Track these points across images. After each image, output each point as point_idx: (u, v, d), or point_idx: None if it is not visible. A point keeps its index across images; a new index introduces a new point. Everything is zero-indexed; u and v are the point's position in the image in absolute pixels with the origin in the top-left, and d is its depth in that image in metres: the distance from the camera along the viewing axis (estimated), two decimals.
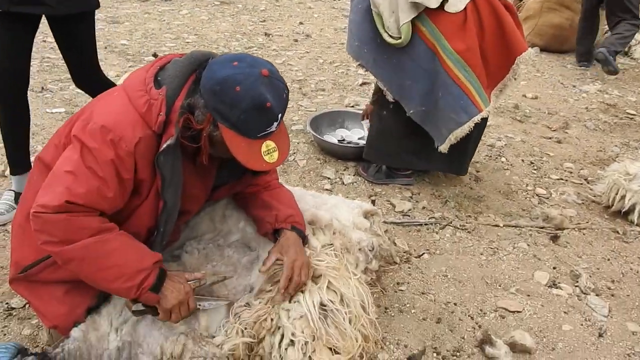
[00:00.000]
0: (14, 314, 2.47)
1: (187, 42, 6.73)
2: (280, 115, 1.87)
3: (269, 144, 1.87)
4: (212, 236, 2.35)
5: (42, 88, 5.18)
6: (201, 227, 2.38)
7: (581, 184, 4.03)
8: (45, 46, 6.05)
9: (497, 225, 3.43)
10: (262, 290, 2.13)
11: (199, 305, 2.03)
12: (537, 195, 3.85)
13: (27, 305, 2.47)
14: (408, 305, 2.68)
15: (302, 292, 2.13)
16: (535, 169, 4.22)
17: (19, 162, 3.16)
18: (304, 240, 2.28)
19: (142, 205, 1.98)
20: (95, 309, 2.09)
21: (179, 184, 1.97)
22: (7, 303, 2.52)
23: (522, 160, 4.34)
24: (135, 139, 1.82)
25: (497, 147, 4.54)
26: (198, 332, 2.02)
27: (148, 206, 1.98)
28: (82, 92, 4.92)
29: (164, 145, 1.86)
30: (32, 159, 3.23)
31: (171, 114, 1.86)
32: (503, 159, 4.31)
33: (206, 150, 1.93)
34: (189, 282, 2.00)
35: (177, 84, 1.90)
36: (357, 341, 2.16)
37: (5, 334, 2.36)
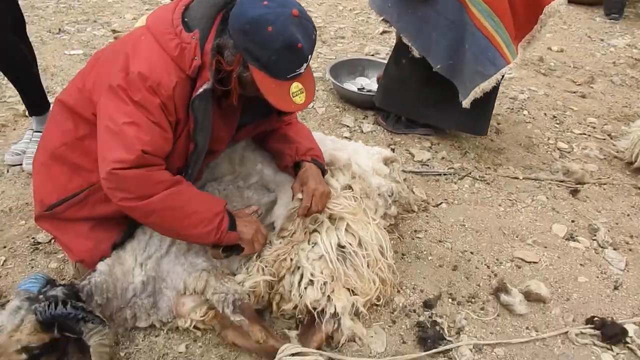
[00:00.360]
0: (40, 248, 2.54)
1: None
2: (309, 57, 1.86)
3: (297, 85, 1.88)
4: (232, 178, 2.38)
5: (59, 30, 5.16)
6: (221, 168, 2.41)
7: (604, 139, 3.97)
8: None
9: (516, 178, 3.41)
10: (283, 229, 2.16)
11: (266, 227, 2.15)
12: (558, 149, 3.81)
13: (52, 241, 2.54)
14: (425, 252, 2.71)
15: (319, 232, 2.16)
16: (557, 123, 4.15)
17: (37, 103, 3.17)
18: (324, 173, 2.32)
19: (176, 145, 2.00)
20: (120, 245, 2.14)
21: (209, 126, 1.99)
22: (33, 238, 2.59)
23: (545, 114, 4.27)
24: (172, 83, 1.83)
25: (519, 100, 4.46)
26: (220, 269, 2.07)
27: (179, 148, 2.01)
28: (100, 34, 4.90)
29: (200, 90, 1.86)
30: (51, 100, 3.25)
31: (203, 56, 1.85)
32: (525, 112, 4.25)
33: (236, 92, 1.93)
34: (250, 215, 2.11)
35: (206, 25, 1.87)
36: (374, 284, 2.21)
37: (32, 267, 2.44)
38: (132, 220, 2.05)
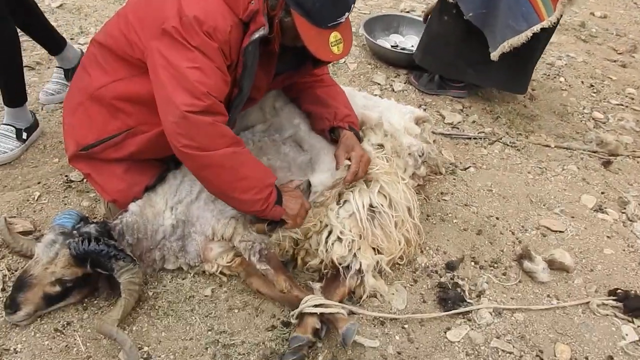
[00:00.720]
0: (73, 186, 2.60)
1: None
2: (352, 6, 1.84)
3: (336, 35, 1.87)
4: (265, 128, 2.38)
5: None
6: (251, 116, 2.41)
7: None
8: None
9: (547, 146, 3.36)
10: (320, 195, 2.18)
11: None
12: (593, 119, 3.72)
13: (85, 180, 2.59)
14: (450, 215, 2.71)
15: (352, 192, 2.17)
16: (594, 92, 4.04)
17: (54, 43, 3.15)
18: (360, 140, 2.32)
19: None
20: (151, 188, 2.18)
21: (254, 73, 1.99)
22: (66, 176, 2.65)
23: (582, 82, 4.15)
24: (227, 27, 1.82)
25: (556, 66, 4.34)
26: (248, 217, 2.10)
27: (228, 92, 2.01)
28: None
29: (256, 35, 1.84)
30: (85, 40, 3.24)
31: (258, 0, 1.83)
32: (562, 79, 4.13)
33: (279, 37, 1.91)
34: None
35: None
36: (399, 244, 2.23)
37: (65, 204, 2.50)
38: (166, 164, 2.09)
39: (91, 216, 2.41)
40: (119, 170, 2.16)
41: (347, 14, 1.85)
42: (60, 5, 4.40)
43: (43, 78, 3.44)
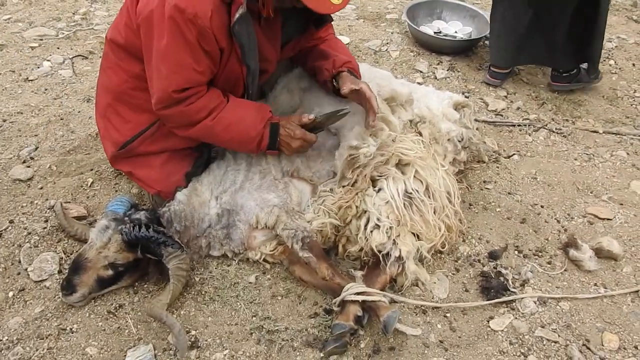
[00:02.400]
0: (123, 174, 2.69)
1: None
2: None
3: None
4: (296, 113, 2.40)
5: None
6: (280, 99, 2.45)
7: None
8: None
9: (595, 132, 3.26)
10: (344, 178, 2.20)
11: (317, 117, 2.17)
12: None
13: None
14: (493, 203, 2.68)
15: (386, 179, 2.17)
16: None
17: None
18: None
19: (224, 72, 2.06)
20: (197, 177, 2.25)
21: (255, 47, 2.02)
22: None
23: (633, 65, 4.00)
24: (208, 12, 1.85)
25: (606, 48, 4.18)
26: (290, 205, 2.14)
27: (234, 74, 2.07)
28: None
29: (237, 16, 1.88)
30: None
31: None
32: (612, 62, 3.99)
33: (270, 2, 1.90)
34: (303, 120, 2.15)
35: None
36: (439, 230, 2.22)
37: (116, 191, 2.62)
38: (201, 151, 2.24)
39: (141, 203, 2.51)
40: (157, 162, 2.27)
41: None
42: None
43: (95, 66, 3.57)
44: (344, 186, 2.21)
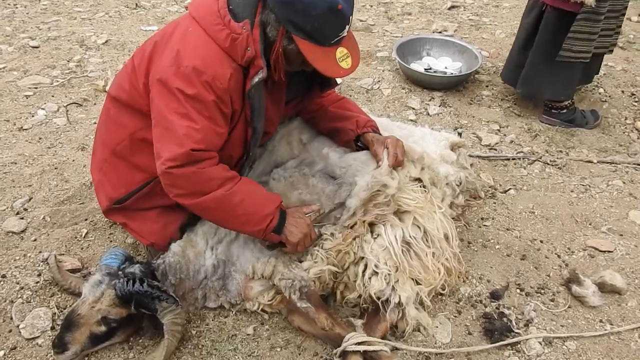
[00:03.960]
0: (117, 225, 2.67)
1: None
2: (350, 18, 1.85)
3: (342, 50, 1.88)
4: (296, 163, 2.40)
5: (136, 5, 5.33)
6: (280, 151, 2.44)
7: None
8: None
9: (590, 162, 3.26)
10: (354, 215, 2.18)
11: (318, 231, 2.15)
12: (636, 129, 3.60)
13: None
14: (492, 240, 2.66)
15: (383, 225, 2.15)
16: (636, 101, 3.91)
17: None
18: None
19: (232, 134, 2.04)
20: (191, 228, 2.22)
21: (263, 110, 2.02)
22: None
23: (622, 92, 4.03)
24: (227, 75, 1.85)
25: (595, 77, 4.22)
26: (287, 255, 2.11)
27: (238, 136, 2.05)
28: (174, 10, 5.06)
29: (257, 79, 1.88)
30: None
31: (255, 44, 1.86)
32: (601, 90, 4.02)
33: (282, 67, 1.92)
34: (307, 215, 2.11)
35: (251, 12, 1.87)
36: (439, 274, 2.19)
37: (111, 241, 2.58)
38: None
39: (135, 253, 2.48)
40: (152, 214, 2.24)
41: (347, 27, 1.85)
42: (106, 41, 4.59)
43: (90, 114, 3.59)
44: (347, 226, 2.18)
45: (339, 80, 2.88)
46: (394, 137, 2.28)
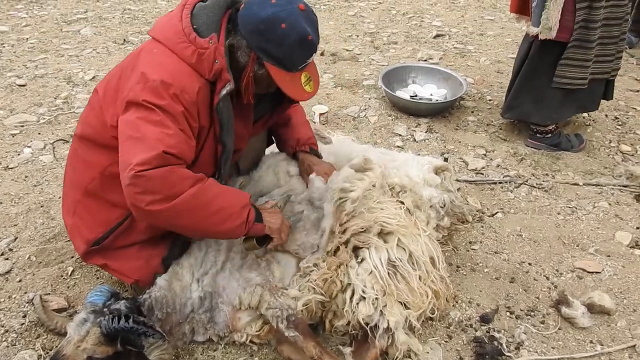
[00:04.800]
0: None
1: None
2: (317, 46, 1.96)
3: (306, 75, 2.00)
4: (282, 192, 2.41)
5: (124, 40, 5.39)
6: (265, 180, 2.46)
7: None
8: None
9: (576, 184, 3.29)
10: (327, 253, 2.18)
11: (279, 202, 2.21)
12: (620, 152, 3.65)
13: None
14: (481, 264, 2.66)
15: (368, 248, 2.16)
16: (619, 125, 3.98)
17: None
18: (319, 157, 2.51)
19: (202, 151, 2.04)
20: (175, 261, 2.21)
21: (232, 126, 2.05)
22: None
23: (606, 116, 4.09)
24: (195, 88, 1.89)
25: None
26: (273, 283, 2.10)
27: (208, 153, 2.07)
28: None
29: (224, 92, 1.92)
30: None
31: (221, 57, 1.92)
32: (584, 115, 4.08)
33: (251, 90, 2.01)
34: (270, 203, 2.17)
35: (216, 28, 1.94)
36: (427, 297, 2.17)
37: (98, 277, 2.56)
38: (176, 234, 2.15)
39: (122, 289, 2.45)
40: (132, 251, 2.21)
41: (314, 54, 1.98)
42: (93, 77, 4.64)
43: None
44: (330, 252, 2.17)
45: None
46: (323, 166, 2.41)
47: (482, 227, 2.92)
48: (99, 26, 5.69)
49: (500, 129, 3.89)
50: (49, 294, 2.45)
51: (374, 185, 2.28)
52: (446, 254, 2.61)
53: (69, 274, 2.57)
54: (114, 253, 2.21)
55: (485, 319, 2.33)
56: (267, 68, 1.92)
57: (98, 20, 5.84)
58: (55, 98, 4.31)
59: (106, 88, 2.06)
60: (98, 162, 2.10)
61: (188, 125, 1.90)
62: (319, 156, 2.51)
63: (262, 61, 1.92)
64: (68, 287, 2.51)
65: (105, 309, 2.03)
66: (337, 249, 2.16)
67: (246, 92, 2.00)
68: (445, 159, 3.20)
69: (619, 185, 3.27)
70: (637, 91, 4.47)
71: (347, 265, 2.10)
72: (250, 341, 2.15)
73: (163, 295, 2.08)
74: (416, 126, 3.92)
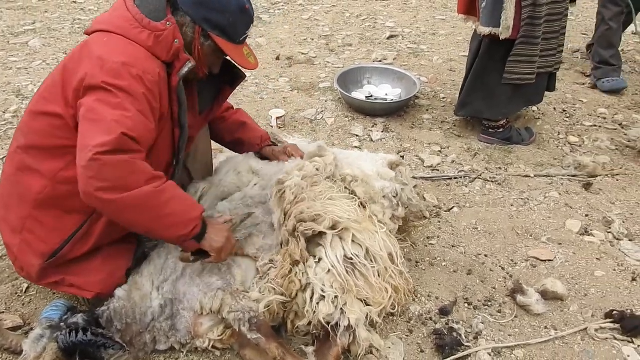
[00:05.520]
0: None
1: None
2: (253, 18, 2.07)
3: (246, 49, 2.11)
4: (242, 196, 2.42)
5: None
6: (226, 181, 2.48)
7: (615, 129, 3.93)
8: (75, 7, 6.11)
9: (527, 176, 3.40)
10: (282, 245, 2.19)
11: (236, 237, 2.18)
12: (569, 143, 3.79)
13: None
14: (439, 258, 2.72)
15: (324, 246, 2.17)
16: (567, 117, 4.13)
17: None
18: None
19: (160, 136, 2.03)
20: (136, 270, 2.19)
21: (187, 109, 2.08)
22: None
23: (554, 109, 4.24)
24: (156, 69, 1.91)
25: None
26: (234, 286, 2.11)
27: (166, 139, 2.07)
28: None
29: (185, 69, 1.96)
30: None
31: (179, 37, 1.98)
32: (534, 108, 4.21)
33: (204, 63, 2.07)
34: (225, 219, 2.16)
35: (164, 15, 1.96)
36: (387, 292, 2.21)
37: (54, 293, 2.49)
38: (138, 243, 2.15)
39: (79, 304, 2.40)
40: (94, 263, 2.14)
41: (252, 25, 2.08)
42: None
43: None
44: (281, 243, 2.19)
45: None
46: (292, 144, 2.60)
47: (439, 222, 2.99)
48: (48, 37, 5.56)
49: (455, 125, 3.98)
50: (3, 312, 2.38)
51: (317, 169, 2.34)
52: (405, 249, 2.66)
53: (24, 290, 2.51)
54: (73, 266, 2.12)
55: (444, 312, 2.39)
56: (213, 39, 2.00)
57: (47, 32, 5.70)
58: (4, 112, 4.19)
59: (44, 91, 2.01)
60: (49, 169, 2.00)
61: (149, 107, 1.88)
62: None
63: (208, 33, 1.99)
64: (23, 305, 2.44)
65: (62, 324, 2.00)
66: (288, 240, 2.15)
67: (200, 65, 2.06)
68: (402, 157, 3.26)
69: (568, 176, 3.40)
70: (583, 84, 4.64)
71: (305, 264, 2.12)
72: (213, 347, 2.14)
73: (122, 306, 2.05)
74: (373, 126, 3.98)
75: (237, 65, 2.13)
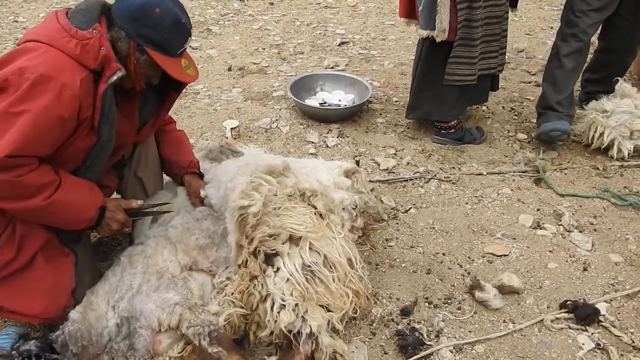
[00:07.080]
0: None
1: None
2: (191, 31, 2.07)
3: (184, 61, 2.11)
4: (192, 209, 2.41)
5: None
6: (180, 199, 2.48)
7: None
8: (17, 27, 5.94)
9: (480, 174, 3.48)
10: (239, 266, 2.17)
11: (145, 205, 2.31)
12: (518, 140, 3.90)
13: None
14: (398, 259, 2.75)
15: (281, 256, 2.17)
16: (515, 115, 4.25)
17: None
18: (202, 177, 2.60)
19: (76, 142, 2.00)
20: (91, 289, 2.13)
21: (114, 119, 2.05)
22: None
23: (503, 107, 4.36)
24: (77, 82, 1.86)
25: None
26: (192, 301, 2.07)
27: (82, 143, 2.02)
28: None
29: (114, 78, 1.94)
30: None
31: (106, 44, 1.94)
32: (484, 108, 4.33)
33: (139, 76, 2.05)
34: (131, 205, 2.25)
35: (93, 22, 1.94)
36: (347, 297, 2.22)
37: (5, 321, 2.40)
38: (75, 254, 2.15)
39: (33, 329, 2.31)
40: (31, 285, 2.04)
41: (189, 39, 2.08)
42: None
43: None
44: (241, 265, 2.16)
45: None
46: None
47: (397, 223, 3.02)
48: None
49: (408, 128, 4.04)
50: None
51: (275, 195, 2.29)
52: (365, 253, 2.69)
53: None
54: (9, 288, 2.03)
55: (405, 312, 2.41)
56: (149, 53, 1.99)
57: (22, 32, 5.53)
58: None
59: None
60: None
61: (59, 122, 1.85)
62: (202, 175, 2.61)
63: (143, 47, 1.98)
64: None
65: (14, 352, 1.94)
66: (247, 260, 2.15)
67: (136, 78, 2.05)
68: (357, 162, 3.28)
69: (519, 172, 3.49)
70: (529, 82, 4.79)
71: (263, 275, 2.11)
72: None
73: (77, 329, 1.99)
74: (328, 132, 4.00)
75: (172, 78, 2.09)
